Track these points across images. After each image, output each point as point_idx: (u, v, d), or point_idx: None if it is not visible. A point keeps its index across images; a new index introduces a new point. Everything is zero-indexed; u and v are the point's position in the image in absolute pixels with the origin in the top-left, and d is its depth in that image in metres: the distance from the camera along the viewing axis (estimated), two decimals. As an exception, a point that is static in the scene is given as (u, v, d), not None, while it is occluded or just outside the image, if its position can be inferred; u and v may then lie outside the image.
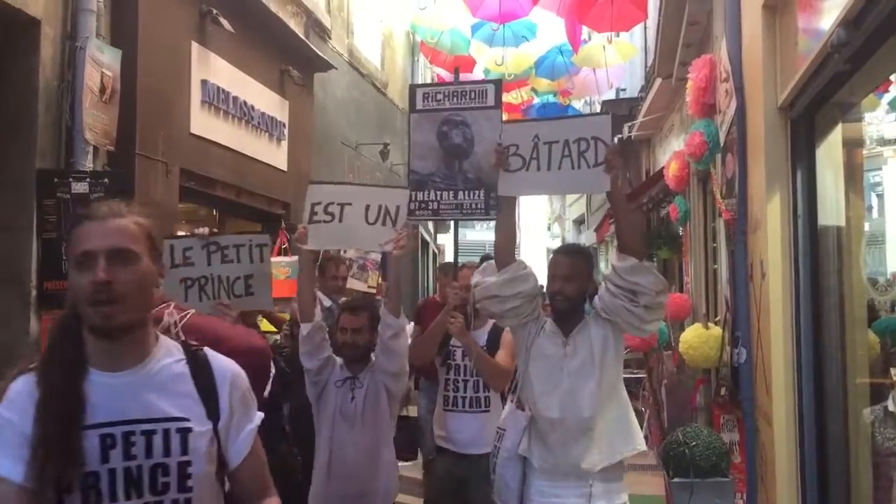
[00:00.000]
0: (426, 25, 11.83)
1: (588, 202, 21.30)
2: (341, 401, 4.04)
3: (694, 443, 4.65)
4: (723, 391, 5.14)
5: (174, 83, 6.87)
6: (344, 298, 5.60)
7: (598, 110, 14.17)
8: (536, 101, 14.02)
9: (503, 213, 3.80)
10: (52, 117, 5.39)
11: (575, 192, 4.43)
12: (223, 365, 2.02)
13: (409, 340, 4.37)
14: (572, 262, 3.60)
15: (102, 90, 5.64)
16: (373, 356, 4.10)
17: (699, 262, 8.13)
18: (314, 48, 9.81)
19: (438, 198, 4.41)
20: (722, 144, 5.49)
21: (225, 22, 7.38)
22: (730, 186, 5.13)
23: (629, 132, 11.68)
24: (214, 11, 7.30)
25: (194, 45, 7.19)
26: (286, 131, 9.20)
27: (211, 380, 1.97)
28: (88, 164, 5.50)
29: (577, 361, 3.50)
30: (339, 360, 4.11)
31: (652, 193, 10.53)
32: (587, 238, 21.38)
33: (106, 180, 5.42)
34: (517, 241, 3.84)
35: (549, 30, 12.35)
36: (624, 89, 13.61)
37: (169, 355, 1.97)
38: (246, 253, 4.23)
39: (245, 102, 8.13)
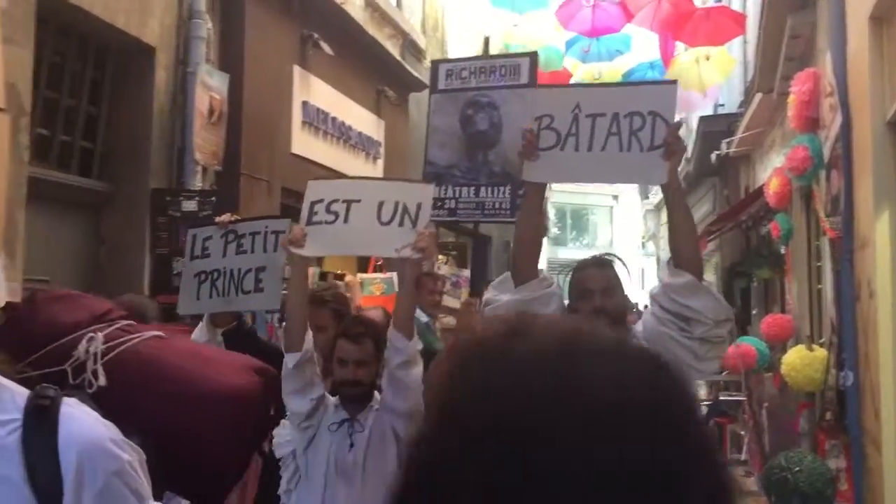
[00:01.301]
0: (519, 42, 11.90)
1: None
2: (337, 450, 3.09)
3: (798, 468, 4.51)
4: (828, 415, 4.97)
5: (277, 105, 7.14)
6: (442, 316, 5.63)
7: (694, 127, 13.92)
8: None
9: (526, 207, 2.96)
10: (164, 139, 5.69)
11: (620, 181, 3.37)
12: (78, 435, 1.24)
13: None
14: (609, 274, 2.89)
15: (211, 113, 5.93)
16: (376, 394, 3.21)
17: (803, 281, 7.87)
18: (409, 69, 10.02)
19: (457, 195, 3.74)
20: (826, 160, 5.32)
21: (325, 45, 7.63)
22: (835, 204, 4.97)
23: (727, 148, 11.43)
24: (315, 36, 7.57)
25: (296, 69, 7.46)
26: (382, 150, 9.41)
27: (51, 460, 1.20)
28: (197, 183, 5.78)
29: None
30: (331, 398, 3.21)
31: (752, 211, 10.26)
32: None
33: (213, 199, 5.67)
34: (541, 247, 3.01)
35: (643, 42, 12.23)
36: (722, 105, 13.33)
37: None
38: (261, 242, 3.45)
39: (343, 122, 8.37)
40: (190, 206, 5.58)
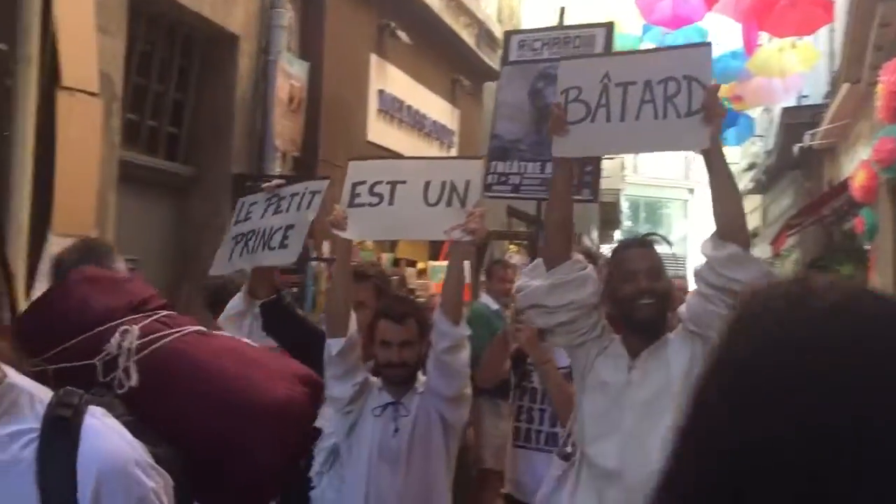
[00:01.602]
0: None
1: (763, 214, 20.34)
2: (381, 435, 2.98)
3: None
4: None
5: (354, 93, 7.26)
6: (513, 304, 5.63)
7: (777, 119, 13.54)
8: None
9: (556, 185, 2.78)
10: (246, 126, 5.86)
11: (659, 149, 3.20)
12: (100, 454, 1.06)
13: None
14: (653, 254, 2.71)
15: (291, 100, 6.07)
16: (420, 375, 3.09)
17: (887, 278, 7.61)
18: (484, 58, 10.04)
19: (522, 170, 3.53)
20: (916, 152, 5.14)
21: (402, 34, 7.72)
22: (924, 197, 4.80)
23: (811, 140, 11.09)
24: (392, 24, 7.65)
25: (373, 57, 7.57)
26: (456, 139, 9.47)
27: (67, 481, 1.04)
28: (277, 168, 5.93)
29: (646, 392, 2.59)
30: (374, 381, 3.08)
31: (835, 205, 9.95)
32: (761, 252, 20.42)
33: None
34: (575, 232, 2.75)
35: (721, 36, 11.95)
36: (806, 96, 12.93)
37: (7, 423, 1.05)
38: (297, 201, 3.30)
39: (418, 111, 8.46)
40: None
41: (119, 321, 1.60)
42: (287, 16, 6.08)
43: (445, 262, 7.10)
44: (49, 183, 3.86)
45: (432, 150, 8.85)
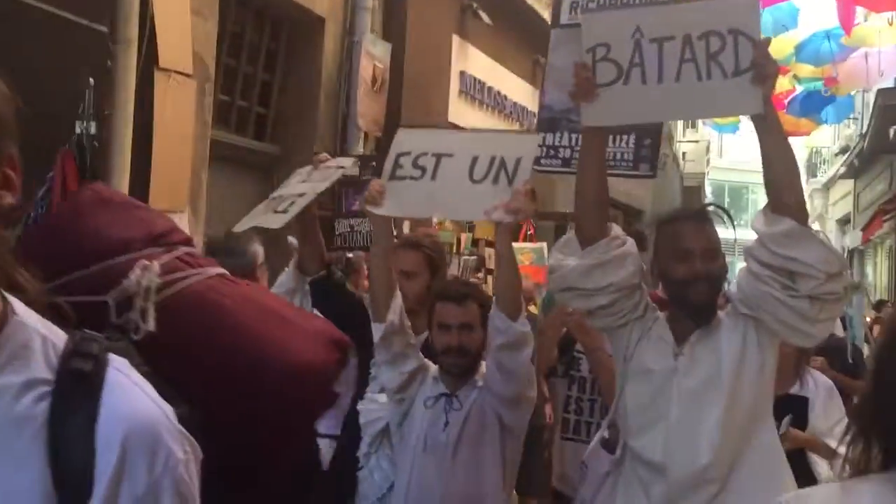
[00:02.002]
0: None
1: (855, 199, 19.58)
2: (429, 427, 2.76)
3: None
4: None
5: (435, 74, 7.31)
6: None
7: (873, 101, 13.00)
8: (799, 89, 13.13)
9: (586, 156, 2.52)
10: (330, 106, 5.99)
11: (705, 115, 2.46)
12: (126, 415, 0.88)
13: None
14: (711, 232, 2.45)
15: (374, 81, 6.17)
16: (482, 367, 2.82)
17: None
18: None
19: (573, 142, 3.23)
20: None
21: (484, 15, 7.72)
22: None
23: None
24: (475, 5, 7.67)
25: (455, 38, 7.60)
26: (536, 120, 9.43)
27: (85, 444, 0.85)
28: (359, 149, 6.05)
29: (695, 381, 2.37)
30: (433, 367, 2.85)
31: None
32: (852, 240, 19.67)
33: (374, 164, 5.91)
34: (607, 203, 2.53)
35: (812, 16, 11.53)
36: (904, 76, 12.36)
37: (18, 369, 0.86)
38: (321, 173, 3.19)
39: (499, 92, 8.46)
40: (352, 170, 5.84)
41: (137, 253, 1.36)
42: (371, -2, 6.16)
43: (524, 244, 7.12)
44: (147, 161, 4.04)
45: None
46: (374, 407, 2.91)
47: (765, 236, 2.26)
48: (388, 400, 2.84)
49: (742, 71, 2.28)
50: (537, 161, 3.30)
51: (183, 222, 4.01)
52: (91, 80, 3.13)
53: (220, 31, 4.88)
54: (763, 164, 2.31)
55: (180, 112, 4.31)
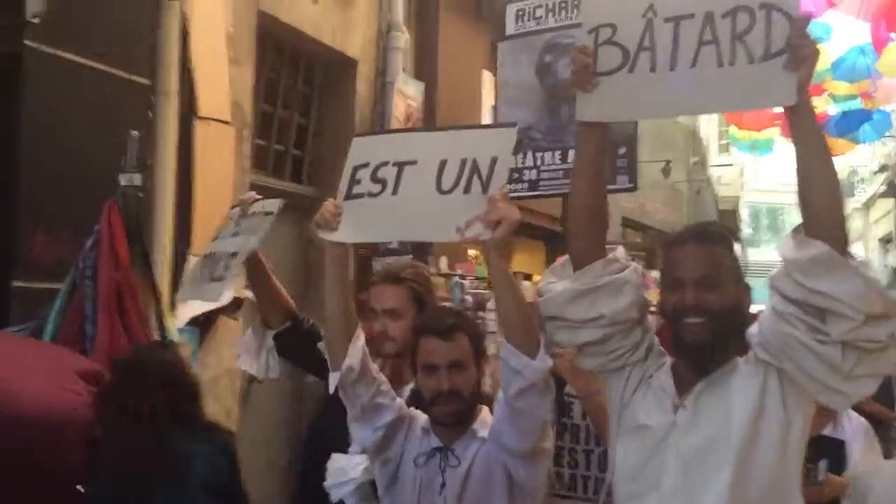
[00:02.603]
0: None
1: (897, 218, 19.20)
2: (423, 489, 2.31)
3: None
4: None
5: (468, 110, 7.37)
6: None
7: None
8: (834, 111, 12.95)
9: (581, 160, 2.07)
10: (365, 146, 6.05)
11: (722, 108, 2.46)
12: None
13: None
14: (711, 253, 1.98)
15: (407, 119, 6.23)
16: (483, 416, 2.36)
17: None
18: (596, 69, 9.98)
19: (539, 162, 2.96)
20: None
21: (513, 49, 7.78)
22: None
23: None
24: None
25: (485, 73, 7.67)
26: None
27: None
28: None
29: (697, 440, 1.92)
30: (422, 418, 2.40)
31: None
32: (895, 258, 19.28)
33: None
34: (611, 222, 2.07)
35: (845, 32, 11.42)
36: (942, 91, 12.16)
37: None
38: (250, 224, 2.79)
39: (531, 125, 8.48)
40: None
41: None
42: (403, 38, 6.24)
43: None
44: (189, 207, 4.10)
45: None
46: (340, 466, 2.51)
47: (790, 264, 1.82)
48: (369, 462, 2.41)
49: (773, 54, 1.89)
50: None
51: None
52: (135, 132, 3.19)
53: (256, 78, 4.96)
54: (797, 170, 1.85)
55: (220, 159, 4.38)
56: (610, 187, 2.73)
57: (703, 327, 1.92)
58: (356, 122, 5.95)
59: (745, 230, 28.17)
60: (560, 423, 2.96)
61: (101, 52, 3.71)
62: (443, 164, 2.20)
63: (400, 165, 2.25)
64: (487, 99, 7.72)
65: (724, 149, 20.85)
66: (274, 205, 2.77)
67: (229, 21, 4.50)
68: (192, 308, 3.42)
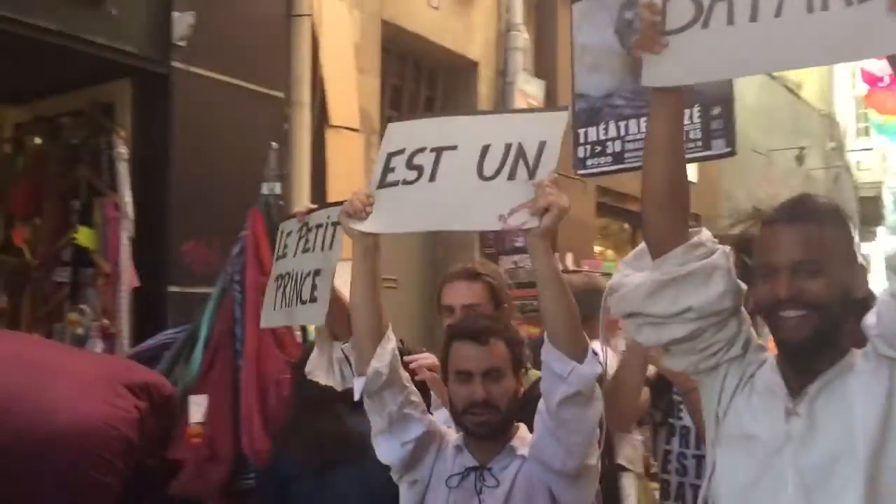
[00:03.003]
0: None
1: None
2: None
3: None
4: None
5: (564, 98, 7.31)
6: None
7: None
8: None
9: (655, 131, 1.79)
10: (488, 146, 6.13)
11: (814, 62, 1.66)
12: None
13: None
14: (809, 232, 1.66)
15: (529, 118, 6.26)
16: (521, 433, 2.12)
17: None
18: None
19: (622, 132, 2.67)
20: None
21: (635, 42, 7.67)
22: None
23: None
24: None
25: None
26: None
27: None
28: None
29: (817, 454, 1.62)
30: (452, 433, 2.18)
31: None
32: None
33: (534, 199, 5.98)
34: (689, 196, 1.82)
35: None
36: None
37: None
38: (321, 236, 2.58)
39: (654, 118, 8.33)
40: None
41: None
42: (521, 38, 6.28)
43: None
44: (323, 213, 4.29)
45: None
46: None
47: None
48: (396, 481, 2.17)
49: None
50: (582, 163, 2.71)
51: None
52: (274, 143, 3.37)
53: (382, 85, 5.12)
54: None
55: (350, 166, 4.56)
56: (706, 153, 2.56)
57: (803, 322, 1.62)
58: (479, 124, 6.04)
59: (890, 217, 26.50)
60: (668, 424, 2.68)
61: (240, 69, 3.94)
62: (485, 149, 2.05)
63: (438, 151, 2.10)
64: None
65: (863, 132, 19.70)
66: (335, 211, 2.45)
67: (355, 32, 4.68)
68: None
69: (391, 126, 2.22)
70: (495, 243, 5.77)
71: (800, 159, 12.13)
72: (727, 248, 1.75)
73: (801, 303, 1.61)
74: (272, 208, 3.27)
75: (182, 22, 3.70)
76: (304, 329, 3.37)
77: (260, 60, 4.07)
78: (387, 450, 2.09)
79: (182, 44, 3.71)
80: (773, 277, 1.64)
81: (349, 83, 4.54)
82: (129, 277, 3.49)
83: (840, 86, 16.50)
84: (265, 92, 4.09)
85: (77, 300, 3.60)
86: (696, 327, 1.71)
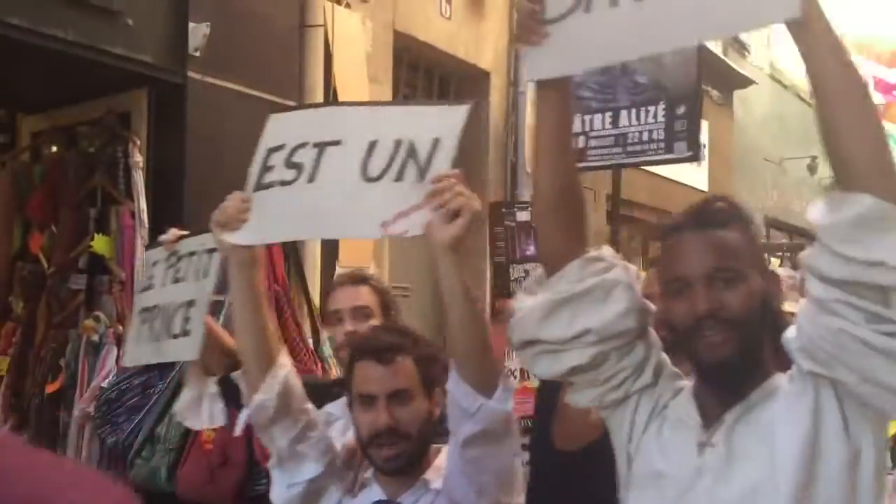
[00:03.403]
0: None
1: None
2: None
3: None
4: None
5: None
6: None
7: None
8: None
9: (539, 134, 1.58)
10: (499, 155, 6.16)
11: (706, 35, 1.67)
12: None
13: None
14: (723, 239, 1.46)
15: (540, 127, 6.29)
16: (439, 461, 1.84)
17: None
18: (733, 65, 9.68)
19: (587, 127, 2.45)
20: None
21: (646, 51, 7.69)
22: None
23: None
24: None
25: (617, 77, 7.61)
26: (706, 151, 9.17)
27: None
28: (529, 194, 6.15)
29: (734, 489, 1.42)
30: (364, 471, 1.90)
31: None
32: None
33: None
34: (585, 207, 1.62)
35: None
36: None
37: None
38: (194, 264, 2.32)
39: (665, 126, 8.33)
40: (523, 216, 5.96)
41: None
42: (533, 47, 6.31)
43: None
44: (335, 221, 4.33)
45: (682, 164, 8.66)
46: None
47: (826, 232, 1.27)
48: None
49: None
50: None
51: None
52: (287, 152, 3.41)
53: (394, 95, 5.16)
54: (816, 108, 1.32)
55: (362, 174, 4.59)
56: (668, 156, 2.29)
57: (725, 340, 1.41)
58: (490, 133, 6.07)
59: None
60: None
61: (254, 78, 3.99)
62: (372, 145, 1.79)
63: (321, 147, 1.84)
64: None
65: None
66: (209, 238, 2.14)
67: (368, 42, 4.72)
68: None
69: (271, 117, 1.97)
70: (505, 252, 5.79)
71: (812, 168, 12.09)
72: (630, 265, 1.54)
73: (721, 318, 1.41)
74: (285, 217, 3.29)
75: (197, 33, 3.75)
76: (315, 337, 3.40)
77: (273, 70, 4.11)
78: (276, 492, 1.85)
79: (197, 54, 3.76)
80: (687, 292, 1.43)
81: (361, 92, 4.58)
82: (144, 285, 3.53)
83: (852, 94, 16.41)
84: (279, 101, 4.12)
85: (92, 307, 3.63)
86: (597, 352, 1.48)
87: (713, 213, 1.49)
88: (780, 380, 1.46)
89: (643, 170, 7.90)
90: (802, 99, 13.24)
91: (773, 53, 12.09)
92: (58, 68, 3.61)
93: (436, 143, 1.72)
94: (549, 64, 1.56)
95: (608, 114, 2.39)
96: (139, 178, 3.63)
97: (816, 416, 1.37)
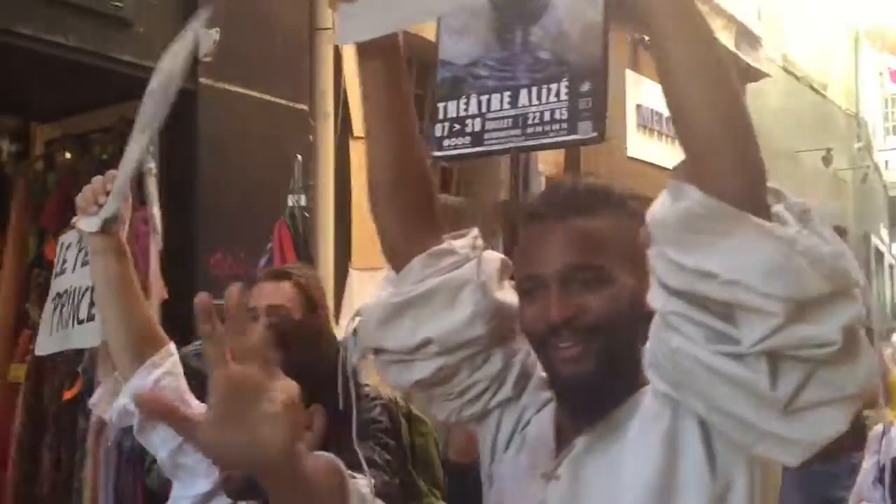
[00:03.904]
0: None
1: None
2: None
3: None
4: None
5: (612, 109, 7.25)
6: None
7: None
8: None
9: (366, 107, 1.27)
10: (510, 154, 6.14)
11: None
12: None
13: None
14: (588, 230, 1.17)
15: (551, 125, 6.27)
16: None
17: None
18: (745, 58, 9.63)
19: (483, 108, 2.24)
20: None
21: (656, 46, 7.65)
22: None
23: None
24: (646, 38, 7.60)
25: (628, 73, 7.58)
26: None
27: None
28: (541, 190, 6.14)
29: None
30: None
31: None
32: None
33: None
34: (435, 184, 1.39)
35: None
36: None
37: None
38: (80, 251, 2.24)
39: (678, 121, 8.30)
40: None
41: None
42: (543, 44, 6.30)
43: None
44: (348, 225, 4.34)
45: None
46: None
47: (657, 229, 1.01)
48: None
49: None
50: (439, 144, 2.04)
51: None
52: (299, 156, 3.42)
53: (405, 95, 5.16)
54: (663, 88, 1.04)
55: (374, 175, 4.60)
56: (572, 137, 2.02)
57: (583, 353, 1.15)
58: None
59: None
60: None
61: (265, 83, 4.00)
62: None
63: None
64: (632, 98, 7.64)
65: (891, 131, 19.47)
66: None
67: (378, 43, 4.72)
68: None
69: None
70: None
71: (827, 160, 12.01)
72: (492, 254, 1.27)
73: (578, 326, 1.15)
74: (297, 219, 3.33)
75: (208, 39, 3.77)
76: (330, 339, 3.41)
77: (284, 74, 4.13)
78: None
79: (207, 60, 3.78)
80: (540, 293, 1.17)
81: (372, 94, 4.59)
82: (158, 290, 3.55)
83: (867, 85, 16.34)
84: (289, 105, 4.15)
85: (108, 313, 3.65)
86: (442, 365, 1.23)
87: (575, 196, 1.20)
88: (645, 396, 1.16)
89: (662, 167, 7.86)
90: (816, 91, 13.17)
91: (785, 46, 12.03)
92: (70, 77, 3.63)
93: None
94: (360, 26, 1.31)
95: (507, 93, 2.22)
96: (152, 185, 3.64)
97: (671, 448, 1.10)
